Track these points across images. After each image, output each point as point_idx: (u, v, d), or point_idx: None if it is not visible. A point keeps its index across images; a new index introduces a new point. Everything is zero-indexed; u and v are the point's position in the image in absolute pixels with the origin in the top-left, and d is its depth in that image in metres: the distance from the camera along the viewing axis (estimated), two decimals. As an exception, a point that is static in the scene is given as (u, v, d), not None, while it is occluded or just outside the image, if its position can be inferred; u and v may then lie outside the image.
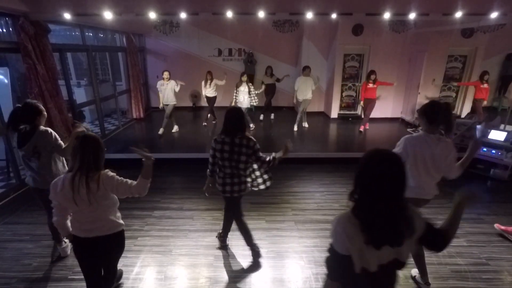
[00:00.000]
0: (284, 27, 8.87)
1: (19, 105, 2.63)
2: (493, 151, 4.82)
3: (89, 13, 4.63)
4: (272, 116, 8.34)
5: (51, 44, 4.71)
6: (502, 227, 3.37)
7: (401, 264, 1.28)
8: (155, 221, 3.58)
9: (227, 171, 2.59)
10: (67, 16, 4.49)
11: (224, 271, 2.77)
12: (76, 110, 5.75)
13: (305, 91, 6.70)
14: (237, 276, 2.72)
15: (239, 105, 6.32)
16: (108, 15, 4.46)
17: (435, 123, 2.18)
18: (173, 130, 6.79)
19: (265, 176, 2.76)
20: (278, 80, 7.70)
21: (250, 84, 6.50)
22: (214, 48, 9.14)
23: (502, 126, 5.20)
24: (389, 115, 8.47)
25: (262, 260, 2.89)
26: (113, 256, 2.11)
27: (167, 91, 6.26)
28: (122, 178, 1.91)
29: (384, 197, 1.17)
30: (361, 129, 7.03)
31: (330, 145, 6.58)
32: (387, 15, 4.76)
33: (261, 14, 4.63)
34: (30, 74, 4.35)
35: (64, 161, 2.83)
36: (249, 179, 2.72)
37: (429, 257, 2.94)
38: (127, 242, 2.75)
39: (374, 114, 8.26)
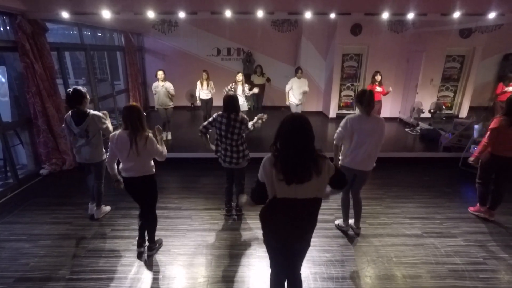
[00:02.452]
0: (282, 26, 8.88)
1: (70, 89, 3.19)
2: (491, 151, 4.84)
3: (87, 12, 4.62)
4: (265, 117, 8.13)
5: (48, 43, 4.69)
6: (472, 209, 3.74)
7: (314, 200, 1.74)
8: (154, 221, 3.57)
9: (225, 144, 3.26)
10: (65, 15, 4.47)
11: (222, 271, 2.77)
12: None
13: (298, 95, 6.29)
14: (235, 275, 2.72)
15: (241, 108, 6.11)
16: (106, 14, 4.44)
17: (364, 104, 2.83)
18: (169, 138, 6.39)
19: (246, 152, 3.37)
20: (268, 80, 7.60)
21: (246, 85, 6.16)
22: (213, 48, 9.13)
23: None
24: (387, 115, 8.49)
25: (260, 260, 2.90)
26: (150, 190, 2.82)
27: (161, 94, 5.88)
28: (158, 145, 2.72)
29: (293, 146, 1.62)
30: None
31: (329, 144, 6.57)
32: (385, 15, 4.77)
33: (259, 13, 4.63)
34: (27, 73, 4.33)
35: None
36: (240, 154, 3.30)
37: (427, 256, 2.97)
38: (125, 241, 2.75)
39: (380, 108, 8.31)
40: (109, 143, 2.64)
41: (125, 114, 2.54)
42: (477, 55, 7.66)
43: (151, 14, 4.56)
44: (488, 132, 3.33)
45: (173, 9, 4.62)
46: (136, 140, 2.54)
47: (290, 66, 9.25)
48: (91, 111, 3.26)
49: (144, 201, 2.87)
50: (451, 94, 8.30)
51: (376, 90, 6.28)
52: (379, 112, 6.65)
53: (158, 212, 3.74)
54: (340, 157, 3.05)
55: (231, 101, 3.17)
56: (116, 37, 8.07)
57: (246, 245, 3.14)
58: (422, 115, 7.18)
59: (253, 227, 3.44)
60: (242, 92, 6.00)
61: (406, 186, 4.49)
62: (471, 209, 3.79)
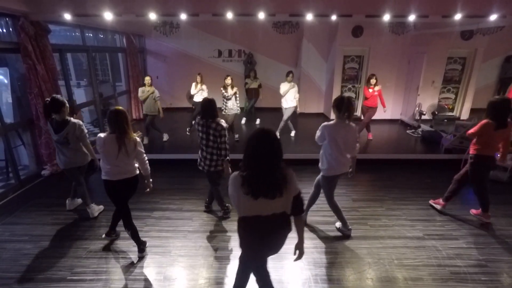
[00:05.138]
0: (284, 28, 8.90)
1: (48, 99, 3.24)
2: (492, 153, 4.83)
3: (89, 14, 4.63)
4: (258, 121, 7.83)
5: (51, 44, 4.71)
6: (474, 211, 3.72)
7: (282, 215, 1.77)
8: (155, 222, 3.57)
9: (202, 145, 3.28)
10: (67, 16, 4.49)
11: (223, 272, 2.76)
12: (75, 109, 5.74)
13: (289, 99, 6.15)
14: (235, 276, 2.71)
15: (228, 112, 5.94)
16: (108, 15, 4.46)
17: (341, 111, 2.89)
18: (164, 139, 6.30)
19: (219, 163, 3.32)
20: (260, 86, 7.58)
21: (236, 88, 6.05)
22: (214, 49, 9.15)
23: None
24: (388, 117, 8.48)
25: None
26: (131, 190, 2.91)
27: (148, 100, 5.78)
28: (143, 152, 2.81)
29: (259, 163, 1.64)
30: (369, 137, 6.59)
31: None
32: (386, 17, 4.78)
33: (261, 15, 4.64)
34: (30, 74, 4.35)
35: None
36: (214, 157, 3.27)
37: (429, 259, 2.96)
38: (126, 242, 2.74)
39: (374, 115, 8.30)
40: (97, 147, 2.71)
41: (112, 118, 2.60)
42: (479, 57, 7.65)
43: (152, 16, 4.58)
44: (474, 131, 3.37)
45: (175, 10, 4.64)
46: (125, 142, 2.63)
47: (291, 68, 9.25)
48: (72, 119, 3.33)
49: (123, 200, 2.96)
50: (453, 96, 8.28)
51: (368, 93, 6.01)
52: (369, 117, 6.20)
53: (159, 213, 3.77)
54: (321, 167, 3.15)
55: (207, 106, 3.15)
56: (118, 38, 8.11)
57: (247, 246, 3.13)
58: (424, 117, 7.17)
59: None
60: (231, 95, 5.95)
61: (407, 188, 4.48)
62: (473, 212, 3.77)
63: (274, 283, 2.63)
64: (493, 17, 4.76)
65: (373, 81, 5.97)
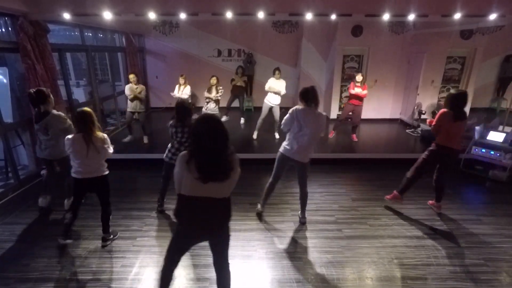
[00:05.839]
0: (283, 28, 8.89)
1: (33, 90, 3.35)
2: (492, 152, 4.84)
3: (89, 13, 4.63)
4: (242, 120, 7.69)
5: (50, 44, 4.70)
6: (389, 196, 3.92)
7: (222, 200, 1.83)
8: (154, 222, 3.57)
9: (177, 148, 3.46)
10: (66, 16, 4.49)
11: (223, 272, 2.76)
12: (74, 110, 5.73)
13: (273, 97, 5.95)
14: (236, 276, 2.71)
15: (209, 112, 5.79)
16: (107, 15, 4.45)
17: (308, 101, 3.11)
18: (145, 141, 6.04)
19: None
20: (246, 82, 7.42)
21: (221, 88, 5.99)
22: (214, 49, 9.15)
23: (500, 128, 5.21)
24: (388, 116, 8.49)
25: (261, 262, 2.89)
26: (104, 188, 3.05)
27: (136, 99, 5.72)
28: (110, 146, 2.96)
29: (205, 146, 1.68)
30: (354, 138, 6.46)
31: (329, 146, 6.58)
32: (386, 17, 4.77)
33: (260, 15, 4.64)
34: (29, 74, 4.34)
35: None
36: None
37: (428, 258, 2.96)
38: (125, 242, 2.73)
39: (373, 115, 8.32)
40: (65, 148, 2.84)
41: (79, 118, 2.75)
42: (478, 56, 7.65)
43: (152, 16, 4.58)
44: (434, 121, 3.56)
45: (174, 10, 4.63)
46: (92, 140, 2.77)
47: (291, 67, 9.26)
48: (54, 111, 3.45)
49: (101, 199, 3.08)
50: (452, 96, 8.28)
51: (351, 91, 5.94)
52: (358, 117, 6.18)
53: (158, 213, 3.77)
54: (283, 144, 3.32)
55: (182, 109, 3.34)
56: (117, 38, 8.10)
57: (247, 246, 3.13)
58: (423, 116, 7.18)
59: (253, 228, 3.44)
60: (215, 96, 5.92)
61: (407, 188, 4.48)
62: (387, 197, 3.94)
63: (273, 283, 2.65)
64: (492, 16, 4.76)
65: (359, 77, 5.87)
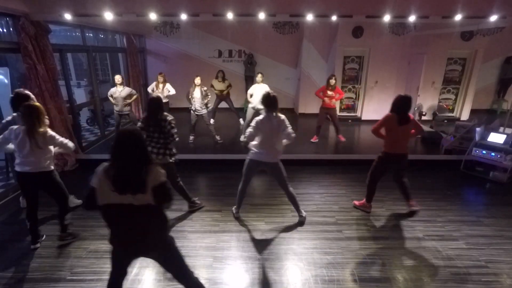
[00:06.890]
0: (284, 29, 8.91)
1: (12, 95, 3.30)
2: (492, 154, 4.83)
3: (90, 14, 4.64)
4: (241, 121, 7.41)
5: (51, 44, 4.71)
6: (357, 203, 3.93)
7: (146, 207, 1.73)
8: (154, 222, 3.57)
9: (153, 144, 3.35)
10: (67, 16, 4.50)
11: (223, 273, 2.76)
12: (75, 110, 5.74)
13: (258, 101, 5.64)
14: (235, 277, 2.72)
15: (196, 113, 5.89)
16: (108, 16, 4.46)
17: (270, 106, 3.16)
18: None
19: (173, 151, 3.46)
20: (230, 85, 7.05)
21: (205, 88, 5.89)
22: (215, 49, 9.16)
23: (501, 129, 5.21)
24: (388, 117, 8.48)
25: (262, 263, 2.89)
26: (51, 187, 3.04)
27: (119, 99, 5.71)
28: (60, 138, 2.91)
29: (119, 159, 1.70)
30: (315, 139, 6.41)
31: (330, 147, 6.59)
32: (387, 18, 4.78)
33: (261, 16, 4.64)
34: (30, 74, 4.35)
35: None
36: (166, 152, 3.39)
37: (429, 259, 2.95)
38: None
39: (374, 116, 8.31)
40: (7, 133, 2.82)
41: (25, 112, 2.73)
42: (479, 57, 7.66)
43: (153, 16, 4.59)
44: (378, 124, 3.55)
45: (175, 11, 4.64)
46: (34, 136, 2.75)
47: (291, 68, 9.27)
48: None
49: (53, 198, 3.10)
50: (453, 97, 8.29)
51: (326, 94, 5.97)
52: (336, 118, 6.25)
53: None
54: (251, 150, 3.33)
55: (156, 105, 3.29)
56: (118, 38, 8.11)
57: (247, 247, 3.13)
58: (424, 118, 7.18)
59: (254, 229, 3.43)
60: (200, 96, 5.81)
61: (407, 189, 4.48)
62: (355, 203, 3.95)
63: (274, 284, 2.64)
64: (493, 18, 4.76)
65: (332, 81, 5.93)
